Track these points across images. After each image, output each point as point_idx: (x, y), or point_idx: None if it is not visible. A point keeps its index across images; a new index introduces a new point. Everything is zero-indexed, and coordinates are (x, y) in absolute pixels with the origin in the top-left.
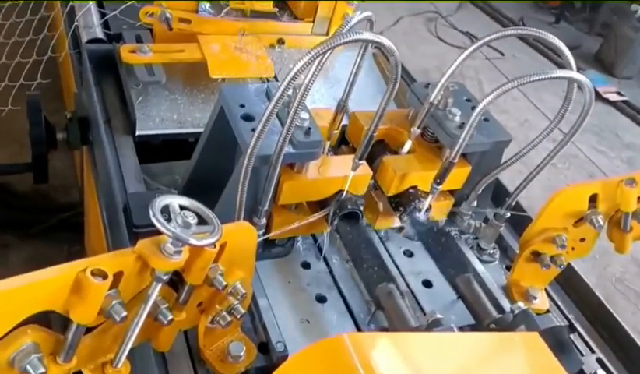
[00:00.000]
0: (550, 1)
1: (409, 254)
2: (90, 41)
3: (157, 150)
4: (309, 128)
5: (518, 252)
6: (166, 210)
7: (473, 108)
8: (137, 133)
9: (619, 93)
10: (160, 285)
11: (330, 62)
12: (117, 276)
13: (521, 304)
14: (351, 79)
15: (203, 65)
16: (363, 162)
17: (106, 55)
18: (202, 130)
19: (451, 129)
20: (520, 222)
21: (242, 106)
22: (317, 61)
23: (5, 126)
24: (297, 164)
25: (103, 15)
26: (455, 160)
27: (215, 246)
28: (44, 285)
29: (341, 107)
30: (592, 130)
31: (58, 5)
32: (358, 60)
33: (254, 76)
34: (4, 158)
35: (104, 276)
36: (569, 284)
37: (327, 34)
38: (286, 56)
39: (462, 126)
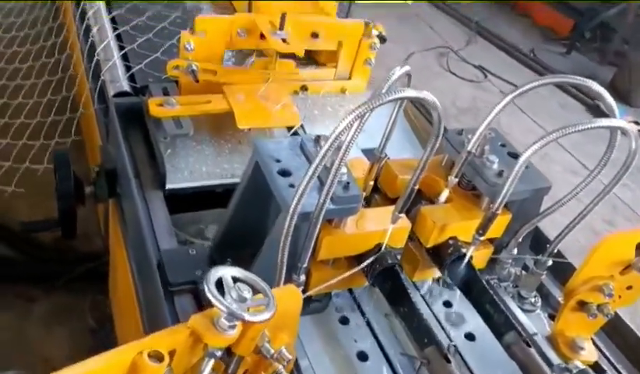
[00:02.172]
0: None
1: (448, 304)
2: (117, 95)
3: (184, 200)
4: (348, 183)
5: (562, 301)
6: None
7: (510, 154)
8: (167, 187)
9: (636, 122)
10: (212, 361)
11: (347, 103)
12: (171, 353)
13: (578, 363)
14: (387, 131)
15: (229, 115)
16: (403, 215)
17: (133, 108)
18: (230, 181)
19: (489, 178)
20: (559, 268)
21: (278, 161)
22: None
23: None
24: (336, 219)
25: (128, 68)
26: (499, 212)
27: None
28: (103, 372)
29: (377, 159)
30: (611, 162)
31: (81, 62)
32: (395, 113)
33: (280, 125)
34: (24, 208)
35: (161, 358)
36: (615, 331)
37: (349, 79)
38: (310, 102)
39: (500, 174)
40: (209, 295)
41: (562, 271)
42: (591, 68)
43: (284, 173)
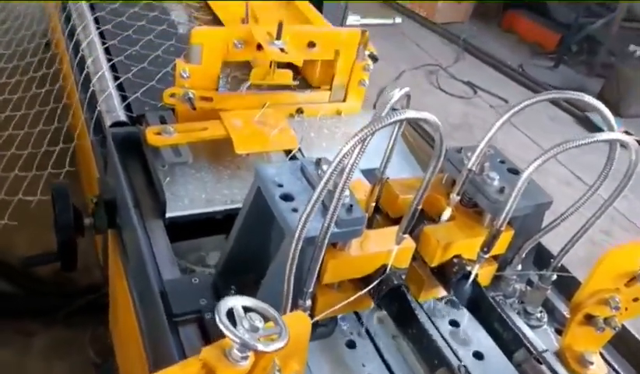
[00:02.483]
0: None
1: (454, 324)
2: (114, 125)
3: (184, 228)
4: (351, 205)
5: (568, 315)
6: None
7: (509, 170)
8: (167, 215)
9: (627, 133)
10: None
11: (349, 133)
12: None
13: None
14: (388, 152)
15: (226, 141)
16: (407, 235)
17: (130, 138)
18: (230, 207)
19: (491, 195)
20: (563, 283)
21: (280, 185)
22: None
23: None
24: (340, 242)
25: (124, 98)
26: (503, 228)
27: None
28: None
29: (378, 180)
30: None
31: (75, 92)
32: (395, 134)
33: (278, 149)
34: (23, 241)
35: None
36: (622, 344)
37: (344, 101)
38: (306, 125)
39: (502, 190)
40: (221, 327)
41: (566, 285)
42: (579, 81)
43: (286, 197)
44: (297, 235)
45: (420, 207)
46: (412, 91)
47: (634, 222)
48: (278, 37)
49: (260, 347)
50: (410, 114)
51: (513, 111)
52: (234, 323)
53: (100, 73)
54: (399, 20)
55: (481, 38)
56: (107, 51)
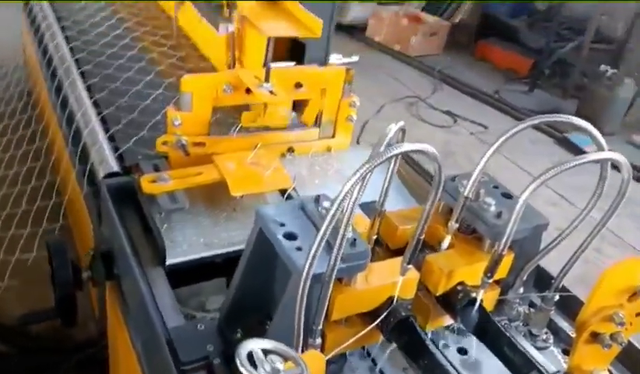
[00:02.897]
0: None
1: (463, 352)
2: (107, 176)
3: (183, 274)
4: (354, 239)
5: (574, 335)
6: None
7: (504, 195)
8: (167, 262)
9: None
10: None
11: (340, 169)
12: None
13: None
14: (386, 186)
15: (221, 184)
16: (411, 266)
17: (124, 187)
18: (229, 249)
19: (489, 220)
20: (565, 303)
21: (282, 225)
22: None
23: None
24: (346, 277)
25: (116, 148)
26: (504, 252)
27: None
28: None
29: (378, 213)
30: (591, 190)
31: (65, 147)
32: (392, 167)
33: (273, 189)
34: (12, 297)
35: None
36: (627, 358)
37: (333, 137)
38: (297, 162)
39: (499, 215)
40: (244, 372)
41: (568, 305)
42: (554, 103)
43: (290, 236)
44: (304, 274)
45: (422, 237)
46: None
47: (623, 238)
48: (266, 80)
49: None
50: (407, 146)
51: (503, 138)
52: (254, 366)
53: (90, 126)
54: (355, 58)
55: (456, 68)
56: (95, 103)
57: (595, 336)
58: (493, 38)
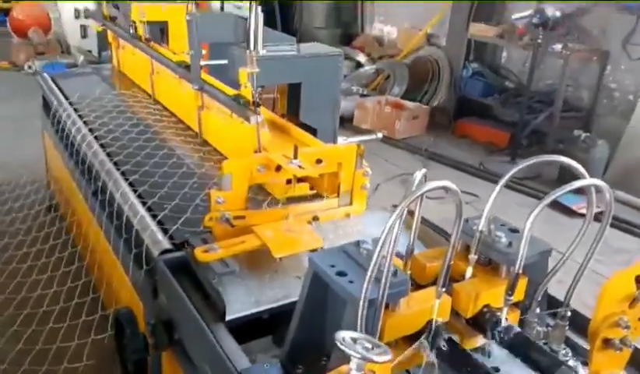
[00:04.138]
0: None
1: (495, 369)
2: (162, 253)
3: (236, 331)
4: (395, 270)
5: (588, 346)
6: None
7: (511, 230)
8: (227, 318)
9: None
10: None
11: (361, 230)
12: None
13: None
14: (415, 227)
15: (261, 250)
16: (444, 289)
17: (179, 261)
18: (277, 304)
19: (502, 249)
20: (573, 321)
21: (332, 266)
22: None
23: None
24: (391, 304)
25: (165, 231)
26: (520, 271)
27: None
28: None
29: (409, 253)
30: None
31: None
32: (418, 208)
33: (309, 249)
34: None
35: None
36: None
37: (351, 204)
38: (323, 228)
39: (510, 244)
40: (343, 347)
41: (575, 323)
42: (536, 169)
43: (341, 274)
44: (362, 299)
45: (452, 262)
46: (391, 200)
47: (606, 252)
48: (295, 157)
49: (375, 358)
50: (433, 184)
51: (501, 183)
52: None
53: (139, 216)
54: (380, 134)
55: (439, 146)
56: (139, 196)
57: (607, 343)
58: (470, 117)
